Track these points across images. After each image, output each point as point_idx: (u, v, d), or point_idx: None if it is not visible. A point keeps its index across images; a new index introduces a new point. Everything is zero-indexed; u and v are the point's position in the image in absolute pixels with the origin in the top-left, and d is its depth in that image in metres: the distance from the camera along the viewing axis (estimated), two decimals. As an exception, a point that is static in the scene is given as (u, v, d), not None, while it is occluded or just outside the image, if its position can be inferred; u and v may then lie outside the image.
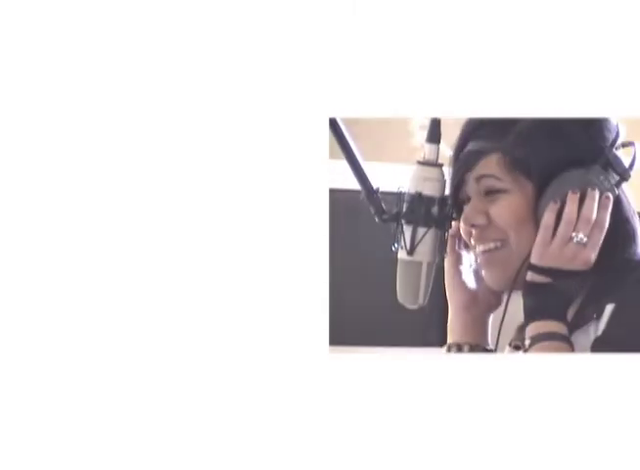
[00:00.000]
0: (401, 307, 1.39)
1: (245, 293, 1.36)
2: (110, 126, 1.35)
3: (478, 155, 1.34)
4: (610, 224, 1.30)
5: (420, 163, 1.35)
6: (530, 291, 1.31)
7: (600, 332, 1.27)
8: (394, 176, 1.36)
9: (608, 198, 1.30)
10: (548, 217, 1.29)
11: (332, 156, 1.40)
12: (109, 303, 1.35)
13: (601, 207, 1.29)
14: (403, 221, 1.35)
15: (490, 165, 1.33)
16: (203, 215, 1.36)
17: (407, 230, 1.35)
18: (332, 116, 1.34)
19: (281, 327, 1.36)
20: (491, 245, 1.35)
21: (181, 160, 1.36)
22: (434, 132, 1.35)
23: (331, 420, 1.35)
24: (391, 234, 1.35)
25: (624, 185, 1.34)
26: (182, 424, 1.35)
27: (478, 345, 1.38)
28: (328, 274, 1.37)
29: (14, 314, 1.34)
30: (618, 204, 1.32)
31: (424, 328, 2.80)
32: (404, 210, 1.35)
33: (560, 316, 1.29)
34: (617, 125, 1.34)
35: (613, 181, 1.31)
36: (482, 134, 1.35)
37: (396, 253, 1.36)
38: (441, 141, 1.36)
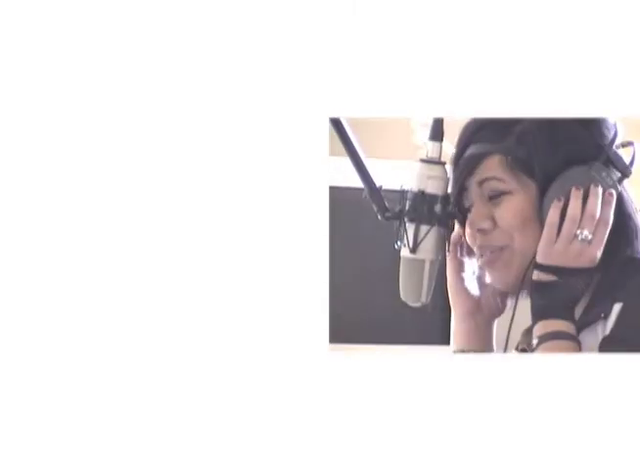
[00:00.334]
0: (403, 305, 1.39)
1: (245, 290, 1.35)
2: (110, 126, 1.35)
3: (479, 158, 1.34)
4: (613, 221, 1.30)
5: (423, 160, 1.35)
6: (537, 290, 1.31)
7: (608, 331, 1.27)
8: (397, 174, 1.36)
9: (611, 194, 1.30)
10: (552, 215, 1.29)
11: (333, 153, 1.40)
12: (109, 302, 1.34)
13: (604, 203, 1.30)
14: (406, 219, 1.35)
15: (492, 168, 1.33)
16: (203, 214, 1.36)
17: (410, 228, 1.35)
18: (332, 115, 1.34)
19: (281, 325, 1.35)
20: (495, 249, 1.35)
21: (182, 159, 1.36)
22: (437, 130, 1.35)
23: (331, 418, 1.35)
24: (394, 232, 1.35)
25: (626, 182, 1.34)
26: (183, 420, 1.35)
27: (482, 351, 1.39)
28: (328, 272, 1.37)
29: (14, 314, 1.33)
30: (621, 200, 1.33)
31: (426, 326, 2.80)
32: (407, 207, 1.34)
33: (567, 315, 1.29)
34: (615, 124, 1.34)
35: (614, 178, 1.31)
36: (482, 137, 1.35)
37: (399, 250, 1.36)
38: (444, 139, 1.37)
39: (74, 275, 1.34)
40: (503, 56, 1.38)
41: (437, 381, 1.35)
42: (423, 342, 2.85)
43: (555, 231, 1.29)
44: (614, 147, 1.32)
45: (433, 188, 1.34)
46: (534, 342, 1.30)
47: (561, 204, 1.29)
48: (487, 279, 1.38)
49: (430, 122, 1.36)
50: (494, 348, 1.40)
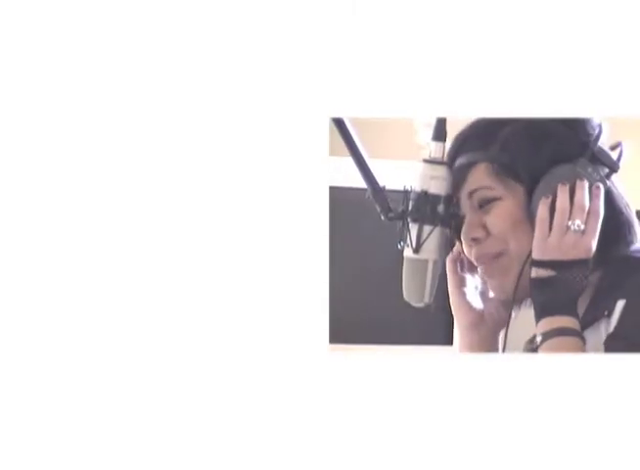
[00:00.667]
0: (405, 306, 1.39)
1: (245, 290, 1.35)
2: (110, 127, 1.35)
3: (467, 167, 1.35)
4: (604, 216, 1.31)
5: (426, 161, 1.35)
6: (537, 287, 1.31)
7: (612, 329, 1.27)
8: (400, 174, 1.36)
9: (598, 188, 1.31)
10: (542, 211, 1.30)
11: (333, 153, 1.40)
12: (109, 302, 1.34)
13: (593, 196, 1.30)
14: (409, 219, 1.34)
15: (480, 177, 1.34)
16: (203, 214, 1.36)
17: (413, 228, 1.34)
18: (331, 115, 1.34)
19: (281, 325, 1.35)
20: (490, 257, 1.35)
21: (182, 159, 1.36)
22: (440, 130, 1.35)
23: (331, 419, 1.35)
24: (397, 232, 1.35)
25: (616, 178, 1.35)
26: (183, 419, 1.35)
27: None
28: (328, 272, 1.37)
29: (14, 314, 1.33)
30: (610, 195, 1.33)
31: (429, 326, 2.80)
32: (410, 208, 1.34)
33: (570, 311, 1.29)
34: (599, 124, 1.35)
35: (602, 173, 1.32)
36: (468, 147, 1.36)
37: (400, 250, 1.36)
38: (447, 139, 1.37)
39: (74, 275, 1.34)
40: (504, 56, 1.38)
41: (440, 381, 1.35)
42: (426, 342, 2.85)
43: (547, 226, 1.30)
44: (599, 143, 1.33)
45: (435, 188, 1.34)
46: (538, 339, 1.29)
47: (549, 200, 1.30)
48: (490, 293, 1.39)
49: (433, 123, 1.36)
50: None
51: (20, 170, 1.34)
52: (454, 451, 1.34)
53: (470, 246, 1.36)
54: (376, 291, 2.91)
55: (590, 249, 1.30)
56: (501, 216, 1.33)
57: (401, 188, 1.35)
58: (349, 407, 1.35)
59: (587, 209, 1.29)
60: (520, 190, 1.33)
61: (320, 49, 1.36)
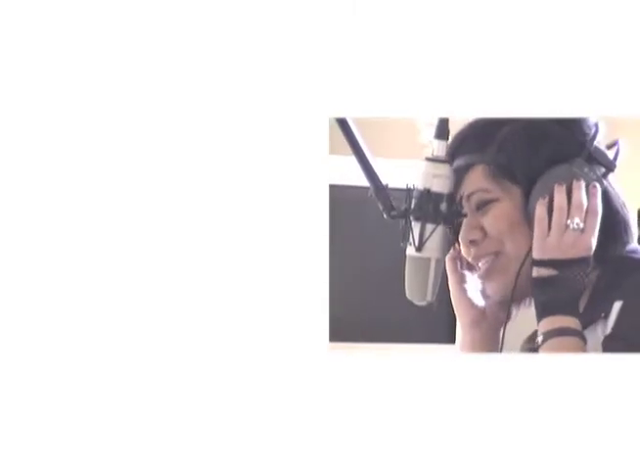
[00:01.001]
0: (406, 304, 1.39)
1: (244, 289, 1.35)
2: (110, 127, 1.35)
3: (464, 169, 1.35)
4: (602, 216, 1.31)
5: (428, 159, 1.35)
6: (538, 286, 1.31)
7: (609, 330, 1.27)
8: (402, 173, 1.36)
9: (595, 187, 1.31)
10: (540, 211, 1.30)
11: (333, 152, 1.40)
12: (109, 302, 1.35)
13: (590, 195, 1.31)
14: (412, 218, 1.34)
15: (477, 179, 1.35)
16: (203, 213, 1.36)
17: (416, 227, 1.34)
18: (331, 113, 1.34)
19: (280, 324, 1.35)
20: (488, 258, 1.36)
21: (182, 158, 1.36)
22: (443, 129, 1.35)
23: (331, 419, 1.35)
24: (400, 230, 1.35)
25: (612, 178, 1.35)
26: (183, 419, 1.35)
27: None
28: (328, 270, 1.37)
29: (14, 314, 1.33)
30: (607, 195, 1.34)
31: (432, 325, 2.80)
32: (413, 206, 1.34)
33: (571, 310, 1.29)
34: (596, 123, 1.35)
35: (599, 173, 1.32)
36: (465, 149, 1.36)
37: (403, 249, 1.36)
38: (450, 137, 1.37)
39: (74, 275, 1.34)
40: (504, 56, 1.38)
41: (442, 379, 1.35)
42: (428, 340, 2.85)
43: (545, 225, 1.30)
44: (595, 143, 1.33)
45: (438, 187, 1.34)
46: (539, 339, 1.30)
47: (546, 201, 1.31)
48: (485, 289, 1.39)
49: (435, 121, 1.36)
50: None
51: (20, 170, 1.34)
52: (456, 450, 1.34)
53: (468, 247, 1.37)
54: (376, 289, 2.91)
55: (590, 247, 1.30)
56: (498, 218, 1.34)
57: (404, 186, 1.35)
58: (350, 406, 1.35)
59: (585, 207, 1.30)
60: (516, 191, 1.33)
61: (320, 49, 1.36)
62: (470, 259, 1.38)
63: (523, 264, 1.32)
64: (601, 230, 1.31)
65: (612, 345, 1.26)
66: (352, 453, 1.34)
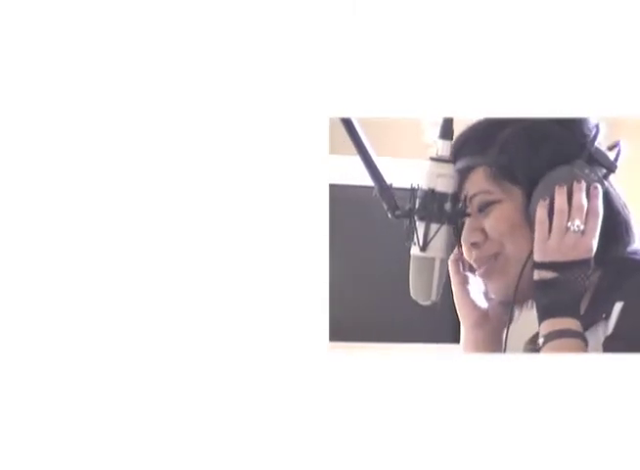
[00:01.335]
0: (409, 303, 1.39)
1: (244, 288, 1.35)
2: (110, 127, 1.35)
3: (466, 171, 1.35)
4: (603, 216, 1.31)
5: (433, 159, 1.36)
6: (540, 289, 1.31)
7: (610, 331, 1.27)
8: (407, 172, 1.36)
9: (596, 188, 1.31)
10: (540, 213, 1.30)
11: (334, 151, 1.40)
12: (109, 302, 1.35)
13: (591, 196, 1.31)
14: (416, 217, 1.35)
15: (479, 181, 1.35)
16: (203, 212, 1.36)
17: (420, 226, 1.35)
18: (331, 113, 1.34)
19: (280, 323, 1.35)
20: (489, 259, 1.36)
21: (182, 158, 1.36)
22: (447, 128, 1.36)
23: (331, 419, 1.35)
24: (404, 230, 1.35)
25: (613, 179, 1.35)
26: (183, 418, 1.35)
27: None
28: (328, 269, 1.37)
29: (14, 315, 1.33)
30: (608, 196, 1.34)
31: (436, 325, 2.79)
32: (417, 206, 1.35)
33: (573, 312, 1.29)
34: (596, 124, 1.35)
35: (600, 174, 1.32)
36: (467, 151, 1.36)
37: (406, 248, 1.37)
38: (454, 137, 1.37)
39: (74, 275, 1.35)
40: (508, 56, 1.38)
41: (444, 379, 1.35)
42: (432, 340, 2.84)
43: (546, 228, 1.30)
44: (596, 144, 1.33)
45: (442, 186, 1.35)
46: (540, 341, 1.30)
47: (546, 203, 1.30)
48: (491, 293, 1.40)
49: (439, 121, 1.36)
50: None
51: (20, 171, 1.34)
52: (458, 451, 1.34)
53: (470, 250, 1.37)
54: (379, 288, 2.91)
55: (591, 248, 1.30)
56: (499, 219, 1.34)
57: (408, 186, 1.35)
58: (350, 406, 1.35)
59: (586, 209, 1.30)
60: (518, 193, 1.33)
61: (320, 49, 1.36)
62: (471, 262, 1.38)
63: (524, 266, 1.32)
64: (602, 231, 1.31)
65: (612, 345, 1.26)
66: (353, 454, 1.34)
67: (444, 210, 1.34)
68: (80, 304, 1.35)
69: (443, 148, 1.35)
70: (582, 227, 1.30)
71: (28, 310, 1.34)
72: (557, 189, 1.30)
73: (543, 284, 1.30)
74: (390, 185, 1.35)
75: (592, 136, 1.33)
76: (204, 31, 1.36)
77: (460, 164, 1.36)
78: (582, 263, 1.30)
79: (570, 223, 1.29)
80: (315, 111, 1.36)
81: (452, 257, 1.40)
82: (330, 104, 1.37)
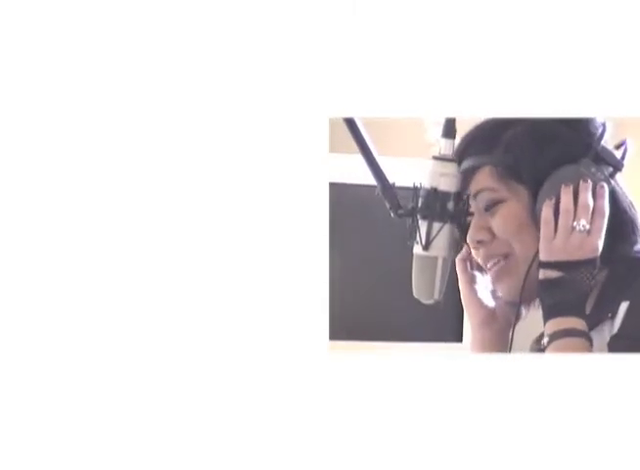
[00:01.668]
0: (411, 302, 1.39)
1: (244, 288, 1.35)
2: (110, 127, 1.35)
3: (471, 171, 1.35)
4: (609, 215, 1.31)
5: (435, 158, 1.36)
6: (545, 288, 1.31)
7: (616, 330, 1.27)
8: (409, 171, 1.36)
9: (602, 187, 1.31)
10: (546, 213, 1.30)
11: (334, 150, 1.40)
12: (109, 302, 1.34)
13: (597, 196, 1.30)
14: (419, 216, 1.35)
15: (484, 179, 1.35)
16: (203, 212, 1.36)
17: (422, 225, 1.35)
18: (331, 112, 1.34)
19: (280, 322, 1.35)
20: (497, 259, 1.36)
21: (182, 158, 1.36)
22: (450, 127, 1.36)
23: (331, 419, 1.34)
24: (407, 229, 1.36)
25: (620, 177, 1.35)
26: (182, 418, 1.34)
27: None
28: (327, 268, 1.37)
29: (14, 315, 1.34)
30: (615, 195, 1.33)
31: (439, 324, 2.80)
32: (420, 205, 1.35)
33: (578, 312, 1.29)
34: (603, 123, 1.35)
35: (606, 172, 1.32)
36: (473, 151, 1.36)
37: (411, 248, 1.37)
38: (457, 136, 1.37)
39: (74, 275, 1.34)
40: (511, 55, 1.38)
41: (447, 378, 1.35)
42: (435, 339, 2.85)
43: (552, 227, 1.30)
44: (602, 143, 1.33)
45: (445, 185, 1.35)
46: (545, 340, 1.30)
47: (552, 202, 1.30)
48: (499, 293, 1.40)
49: (442, 120, 1.36)
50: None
51: (20, 171, 1.34)
52: (462, 451, 1.34)
53: (476, 248, 1.37)
54: (379, 287, 2.91)
55: (596, 248, 1.30)
56: (506, 219, 1.34)
57: (411, 185, 1.35)
58: (351, 407, 1.34)
59: (592, 208, 1.30)
60: (524, 192, 1.33)
61: (320, 48, 1.36)
62: (479, 261, 1.38)
63: (531, 266, 1.32)
64: (608, 230, 1.31)
65: (617, 344, 1.27)
66: (354, 455, 1.34)
67: (447, 209, 1.34)
68: (80, 303, 1.34)
69: (446, 147, 1.35)
70: (588, 227, 1.29)
71: (28, 310, 1.34)
72: (563, 188, 1.30)
73: (548, 283, 1.30)
74: (393, 184, 1.35)
75: (598, 135, 1.33)
76: (203, 31, 1.36)
77: (466, 163, 1.36)
78: (588, 263, 1.30)
79: (575, 223, 1.29)
80: (315, 111, 1.36)
81: (460, 256, 1.41)
82: (330, 104, 1.36)
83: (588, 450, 1.32)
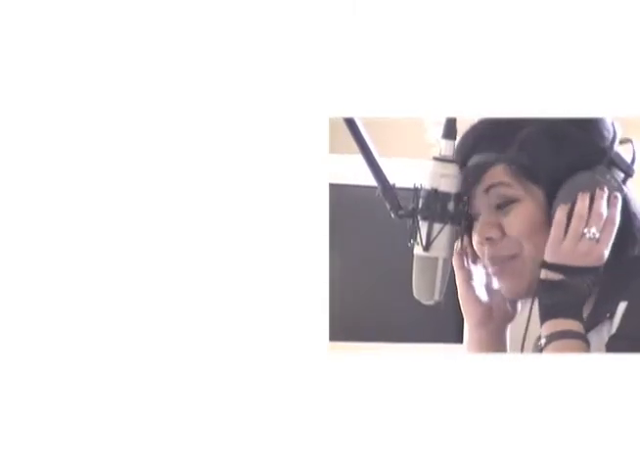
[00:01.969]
0: (412, 303, 1.39)
1: (244, 288, 1.35)
2: (110, 127, 1.35)
3: (483, 167, 1.35)
4: (620, 221, 1.31)
5: (436, 158, 1.35)
6: (545, 289, 1.31)
7: (614, 330, 1.27)
8: (410, 172, 1.36)
9: (616, 197, 1.31)
10: (560, 215, 1.30)
11: (334, 151, 1.40)
12: (109, 303, 1.34)
13: (610, 204, 1.30)
14: (419, 217, 1.35)
15: (499, 174, 1.34)
16: (203, 212, 1.36)
17: (423, 226, 1.35)
18: (331, 112, 1.34)
19: (281, 323, 1.35)
20: (504, 259, 1.35)
21: (182, 158, 1.36)
22: (450, 128, 1.35)
23: (331, 419, 1.34)
24: (407, 230, 1.36)
25: (629, 182, 1.35)
26: (182, 418, 1.34)
27: None
28: (328, 268, 1.36)
29: (14, 315, 1.33)
30: (625, 200, 1.33)
31: (440, 325, 2.80)
32: (420, 205, 1.35)
33: (575, 314, 1.29)
34: (612, 124, 1.35)
35: (619, 179, 1.32)
36: (483, 148, 1.35)
37: (412, 249, 1.37)
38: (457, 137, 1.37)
39: (74, 275, 1.34)
40: (512, 55, 1.38)
41: (448, 379, 1.35)
42: (435, 340, 2.85)
43: (562, 230, 1.30)
44: (614, 148, 1.33)
45: (446, 186, 1.34)
46: (542, 341, 1.30)
47: (567, 207, 1.30)
48: (495, 285, 1.40)
49: (442, 121, 1.36)
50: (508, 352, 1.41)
51: (20, 171, 1.34)
52: (461, 451, 1.34)
53: (483, 245, 1.36)
54: (380, 288, 2.91)
55: (602, 257, 1.30)
56: (520, 219, 1.33)
57: (411, 186, 1.35)
58: (351, 407, 1.34)
59: (604, 218, 1.29)
60: (539, 193, 1.33)
61: (320, 48, 1.36)
62: (484, 259, 1.38)
63: (537, 267, 1.32)
64: (617, 235, 1.31)
65: (615, 344, 1.26)
66: (354, 455, 1.34)
67: (447, 209, 1.34)
68: (80, 302, 1.35)
69: (446, 148, 1.35)
70: (598, 235, 1.29)
71: (28, 310, 1.34)
72: (580, 195, 1.29)
73: (549, 284, 1.30)
74: (394, 185, 1.35)
75: (611, 139, 1.33)
76: (203, 31, 1.36)
77: (476, 159, 1.35)
78: (592, 271, 1.30)
79: (586, 230, 1.29)
80: (315, 111, 1.36)
81: (456, 250, 1.40)
82: (330, 104, 1.36)
83: (587, 450, 1.32)
